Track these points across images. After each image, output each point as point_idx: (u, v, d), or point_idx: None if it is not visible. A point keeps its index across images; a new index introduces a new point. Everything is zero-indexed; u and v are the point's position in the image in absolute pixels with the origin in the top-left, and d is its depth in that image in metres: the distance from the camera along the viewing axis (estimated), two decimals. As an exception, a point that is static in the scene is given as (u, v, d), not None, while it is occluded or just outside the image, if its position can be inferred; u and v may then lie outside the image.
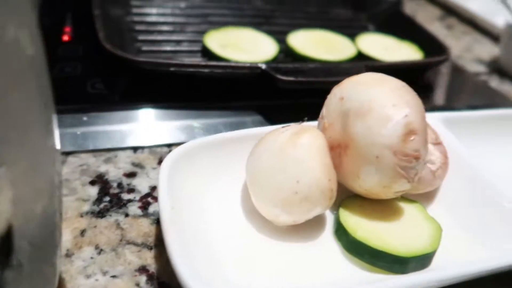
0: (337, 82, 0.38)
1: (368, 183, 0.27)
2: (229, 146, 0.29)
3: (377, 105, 0.25)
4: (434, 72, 0.54)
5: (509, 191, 0.30)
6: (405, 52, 0.50)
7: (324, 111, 0.29)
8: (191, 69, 0.37)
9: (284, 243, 0.27)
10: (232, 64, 0.38)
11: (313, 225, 0.28)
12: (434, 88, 0.51)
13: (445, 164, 0.31)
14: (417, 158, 0.25)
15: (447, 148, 0.33)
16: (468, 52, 0.66)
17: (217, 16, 0.55)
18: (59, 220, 0.19)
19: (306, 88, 0.38)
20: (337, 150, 0.28)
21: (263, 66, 0.37)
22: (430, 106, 0.46)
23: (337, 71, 0.39)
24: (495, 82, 0.58)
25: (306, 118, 0.29)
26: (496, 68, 0.61)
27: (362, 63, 0.41)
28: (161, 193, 0.24)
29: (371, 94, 0.26)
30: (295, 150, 0.25)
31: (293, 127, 0.27)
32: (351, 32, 0.56)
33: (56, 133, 0.18)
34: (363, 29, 0.60)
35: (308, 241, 0.28)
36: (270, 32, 0.53)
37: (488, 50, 0.67)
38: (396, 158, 0.25)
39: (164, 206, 0.23)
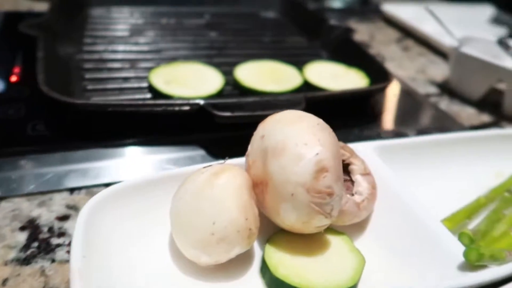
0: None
1: (287, 220, 0.27)
2: (155, 188, 0.29)
3: (290, 144, 0.26)
4: (384, 96, 0.56)
5: (436, 219, 0.30)
6: (352, 79, 0.52)
7: (249, 148, 0.30)
8: (129, 109, 0.37)
9: (209, 283, 0.27)
10: (171, 101, 0.39)
11: (239, 263, 0.28)
12: (383, 113, 0.52)
13: (372, 195, 0.32)
14: (330, 194, 0.26)
15: (378, 177, 0.33)
16: (422, 73, 0.68)
17: (170, 50, 0.57)
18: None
19: (244, 122, 0.38)
20: (260, 187, 0.28)
21: (201, 102, 0.38)
22: (375, 132, 0.48)
23: (275, 104, 0.39)
24: (445, 103, 0.59)
25: (227, 157, 0.30)
26: (447, 88, 0.63)
27: (302, 94, 0.42)
28: (74, 241, 0.24)
29: (285, 133, 0.27)
30: (212, 190, 0.26)
31: (214, 166, 0.28)
32: (304, 60, 0.58)
33: None
34: (316, 56, 0.61)
35: (234, 280, 0.28)
36: (221, 64, 0.54)
37: (441, 71, 0.69)
38: (309, 195, 0.25)
39: (74, 255, 0.23)
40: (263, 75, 0.49)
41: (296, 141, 0.26)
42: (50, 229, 0.31)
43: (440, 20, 0.56)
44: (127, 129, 0.41)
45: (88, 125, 0.40)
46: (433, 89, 0.63)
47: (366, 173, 0.33)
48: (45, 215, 0.32)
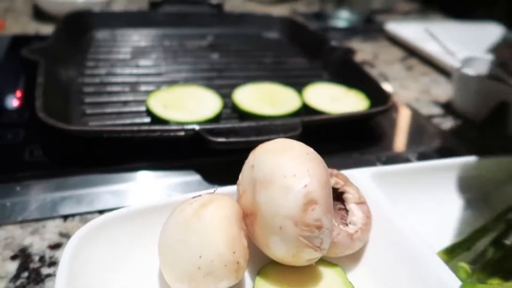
0: (268, 141, 0.39)
1: (277, 252, 0.27)
2: (145, 218, 0.29)
3: (279, 175, 0.26)
4: (386, 117, 0.55)
5: (432, 251, 0.29)
6: (352, 101, 0.51)
7: (240, 177, 0.30)
8: (124, 135, 0.37)
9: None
10: (166, 127, 0.39)
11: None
12: (384, 135, 0.51)
13: (366, 225, 0.31)
14: (319, 227, 0.25)
15: (373, 206, 0.33)
16: (426, 93, 0.68)
17: (171, 73, 0.57)
18: None
19: (238, 148, 0.38)
20: (250, 218, 0.28)
21: (196, 128, 0.38)
22: (375, 156, 0.47)
23: (270, 130, 0.39)
24: (448, 124, 0.58)
25: (216, 187, 0.29)
26: (450, 109, 0.62)
27: (299, 119, 0.41)
28: (59, 273, 0.24)
29: (274, 164, 0.26)
30: (199, 223, 0.25)
31: (202, 196, 0.27)
32: (304, 81, 0.58)
33: None
34: (317, 78, 0.61)
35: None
36: (221, 87, 0.54)
37: (445, 91, 0.69)
38: (298, 228, 0.25)
39: (59, 287, 0.23)
40: (262, 98, 0.49)
41: (284, 172, 0.26)
42: (41, 258, 0.31)
43: (440, 41, 0.55)
44: (123, 154, 0.41)
45: (85, 151, 0.41)
46: (436, 110, 0.62)
47: (361, 202, 0.32)
48: (37, 243, 0.32)
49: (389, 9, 1.17)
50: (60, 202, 0.36)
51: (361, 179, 0.35)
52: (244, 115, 0.47)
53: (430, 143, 0.52)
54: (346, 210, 0.32)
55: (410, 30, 0.88)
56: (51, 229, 0.34)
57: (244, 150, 0.39)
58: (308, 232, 0.25)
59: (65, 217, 0.35)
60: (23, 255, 0.31)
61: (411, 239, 0.30)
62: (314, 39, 0.70)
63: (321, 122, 0.43)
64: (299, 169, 0.26)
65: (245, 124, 0.39)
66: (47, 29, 0.72)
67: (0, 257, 0.31)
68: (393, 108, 0.58)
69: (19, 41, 0.64)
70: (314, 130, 0.46)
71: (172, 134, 0.39)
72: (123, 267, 0.27)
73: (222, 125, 0.39)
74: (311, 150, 0.28)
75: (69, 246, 0.25)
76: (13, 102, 0.48)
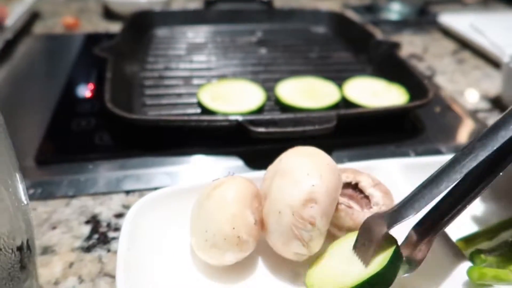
0: (305, 132, 0.42)
1: (271, 236, 0.30)
2: (186, 196, 0.33)
3: (296, 170, 0.29)
4: (427, 111, 0.56)
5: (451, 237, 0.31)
6: (392, 95, 0.53)
7: (269, 167, 0.33)
8: (177, 124, 0.43)
9: (219, 283, 0.31)
10: (212, 118, 0.44)
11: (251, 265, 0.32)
12: (423, 129, 0.52)
13: (387, 199, 0.33)
14: (311, 223, 0.28)
15: (398, 196, 0.35)
16: (474, 87, 0.67)
17: (221, 67, 0.62)
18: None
19: (277, 137, 0.42)
20: (264, 201, 0.31)
21: (240, 118, 0.43)
22: (412, 149, 0.48)
23: (307, 121, 0.43)
24: (494, 120, 0.58)
25: (233, 173, 0.33)
26: (499, 104, 0.61)
27: (335, 112, 0.44)
28: (121, 236, 0.29)
29: (296, 161, 0.30)
30: (208, 202, 0.30)
31: (219, 180, 0.31)
32: (347, 75, 0.60)
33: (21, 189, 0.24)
34: (361, 72, 0.63)
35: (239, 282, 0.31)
36: (265, 80, 0.58)
37: (496, 85, 0.67)
38: (293, 218, 0.28)
39: (121, 247, 0.29)
40: (303, 91, 0.52)
41: (302, 169, 0.29)
42: (108, 225, 0.37)
43: (488, 36, 0.55)
44: (177, 140, 0.46)
45: (145, 137, 0.47)
46: (483, 105, 0.62)
47: (375, 184, 0.34)
48: (105, 212, 0.39)
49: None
50: (123, 179, 0.42)
51: (389, 170, 0.38)
52: (285, 108, 0.51)
53: (469, 138, 0.52)
54: (367, 197, 0.34)
55: (464, 22, 0.86)
56: (116, 201, 0.40)
57: (283, 140, 0.43)
58: (301, 225, 0.28)
59: (127, 192, 0.41)
60: (94, 221, 0.38)
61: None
62: (361, 33, 0.71)
63: (356, 116, 0.45)
64: (314, 171, 0.29)
65: (283, 115, 0.43)
66: (115, 27, 0.80)
67: (77, 222, 0.38)
68: (436, 102, 0.59)
69: (91, 39, 0.73)
70: (352, 122, 0.49)
71: (218, 124, 0.43)
72: (170, 235, 0.32)
73: (263, 116, 0.43)
74: (333, 164, 0.31)
75: (128, 217, 0.31)
76: (87, 94, 0.56)
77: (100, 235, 0.36)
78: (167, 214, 0.33)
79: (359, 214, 0.31)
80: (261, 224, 0.31)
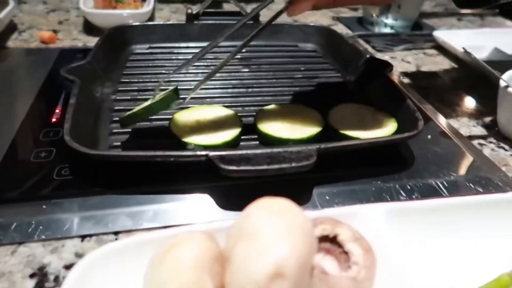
0: (280, 170, 0.38)
1: None
2: (144, 249, 0.30)
3: (262, 236, 0.25)
4: (418, 139, 0.52)
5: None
6: (379, 124, 0.49)
7: (235, 221, 0.29)
8: (140, 160, 0.39)
9: None
10: (179, 153, 0.39)
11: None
12: (414, 160, 0.48)
13: (368, 261, 0.30)
14: None
15: (382, 249, 0.31)
16: (469, 110, 0.63)
17: (200, 89, 0.58)
18: None
19: (250, 176, 0.38)
20: (226, 263, 0.27)
21: (210, 154, 0.39)
22: (400, 184, 0.45)
23: (283, 158, 0.39)
24: (491, 147, 0.54)
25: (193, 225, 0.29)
26: (495, 131, 0.57)
27: (315, 146, 0.40)
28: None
29: (263, 223, 0.26)
30: (161, 267, 0.25)
31: (177, 237, 0.27)
32: (333, 100, 0.56)
33: None
34: (349, 95, 0.59)
35: None
36: (245, 105, 0.55)
37: (493, 108, 0.63)
38: None
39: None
40: (284, 119, 0.49)
41: (268, 235, 0.25)
42: (56, 278, 0.33)
43: (479, 61, 0.51)
44: (142, 176, 0.42)
45: (107, 173, 0.43)
46: (479, 130, 0.58)
47: (356, 238, 0.31)
48: (55, 262, 0.35)
49: (442, 12, 1.10)
50: (80, 222, 0.38)
51: (373, 216, 0.34)
52: (264, 137, 0.47)
53: (465, 171, 0.48)
54: (346, 253, 0.30)
55: (461, 38, 0.83)
56: (69, 249, 0.36)
57: (259, 176, 0.40)
58: None
59: (83, 237, 0.37)
60: (40, 274, 0.34)
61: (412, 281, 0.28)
62: (351, 50, 0.67)
63: (338, 150, 0.42)
64: (283, 237, 0.25)
65: (258, 151, 0.39)
66: (94, 41, 0.76)
67: (20, 275, 0.33)
68: (428, 128, 0.55)
69: (67, 55, 0.69)
70: (335, 156, 0.45)
71: (186, 160, 0.40)
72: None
73: (235, 152, 0.39)
74: (307, 222, 0.27)
75: (70, 277, 0.27)
76: (52, 119, 0.52)
77: (45, 292, 0.32)
78: (119, 274, 0.29)
79: (335, 280, 0.28)
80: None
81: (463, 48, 0.56)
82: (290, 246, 0.24)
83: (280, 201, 0.28)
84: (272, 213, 0.26)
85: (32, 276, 0.33)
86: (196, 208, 0.40)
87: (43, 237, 0.37)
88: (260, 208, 0.27)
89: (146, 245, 0.29)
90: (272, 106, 0.51)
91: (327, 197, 0.42)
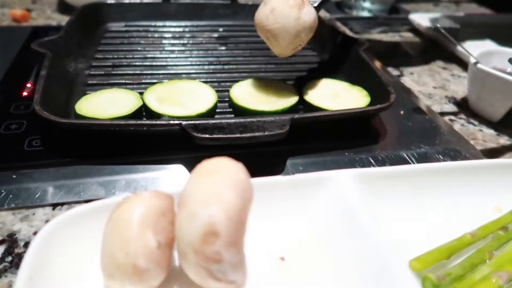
0: (253, 138, 0.39)
1: (188, 273, 0.26)
2: (106, 214, 0.29)
3: (192, 199, 0.25)
4: (390, 114, 0.53)
5: (403, 259, 0.29)
6: (352, 98, 0.50)
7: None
8: (112, 128, 0.39)
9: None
10: (152, 122, 0.39)
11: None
12: (385, 134, 0.50)
13: None
14: (217, 261, 0.24)
15: (347, 211, 0.32)
16: (442, 89, 0.65)
17: (175, 66, 0.58)
18: None
19: (224, 144, 0.38)
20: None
21: (183, 123, 0.39)
22: (371, 155, 0.46)
23: (257, 126, 0.39)
24: (461, 123, 0.56)
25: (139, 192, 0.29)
26: (466, 107, 0.59)
27: (289, 116, 0.41)
28: (24, 262, 0.25)
29: (194, 186, 0.25)
30: (107, 226, 0.26)
31: (124, 198, 0.27)
32: (310, 75, 0.57)
33: None
34: (324, 72, 0.60)
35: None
36: (221, 81, 0.55)
37: (464, 87, 0.65)
38: (196, 258, 0.24)
39: (21, 276, 0.24)
40: (259, 93, 0.49)
41: (195, 198, 0.24)
42: (26, 244, 0.33)
43: (451, 39, 0.53)
44: (115, 147, 0.42)
45: (79, 143, 0.42)
46: (450, 107, 0.60)
47: None
48: (25, 229, 0.34)
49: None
50: (51, 191, 0.37)
51: (342, 181, 0.34)
52: (239, 111, 0.47)
53: (435, 143, 0.49)
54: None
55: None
56: (39, 217, 0.36)
57: (234, 146, 0.40)
58: (206, 264, 0.24)
59: (54, 206, 0.37)
60: (10, 240, 0.33)
61: (382, 246, 0.29)
62: (327, 31, 0.68)
63: (311, 120, 0.42)
64: (210, 197, 0.24)
65: (232, 120, 0.39)
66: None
67: (-10, 241, 0.33)
68: (401, 104, 0.56)
69: (39, 33, 0.67)
70: (308, 127, 0.46)
71: (159, 128, 0.39)
72: (87, 261, 0.28)
73: (208, 121, 0.39)
74: (240, 176, 0.26)
75: (37, 239, 0.27)
76: (23, 93, 0.51)
77: (14, 257, 0.32)
78: (86, 237, 0.28)
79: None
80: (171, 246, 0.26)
81: (435, 23, 0.57)
82: (218, 203, 0.24)
83: (215, 160, 0.27)
84: (203, 175, 0.26)
85: (1, 242, 0.33)
86: (169, 178, 0.40)
87: (12, 205, 0.36)
88: (195, 172, 0.27)
89: (110, 209, 0.29)
90: (247, 80, 0.51)
91: (300, 168, 0.43)
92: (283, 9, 0.43)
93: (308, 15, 0.45)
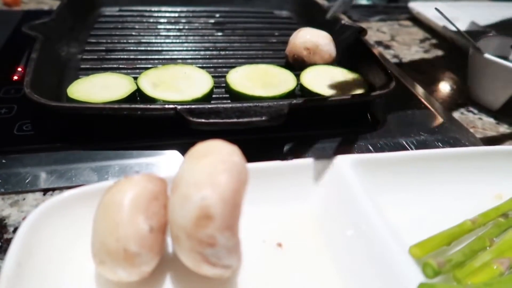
0: (248, 123, 0.38)
1: (181, 258, 0.25)
2: (98, 199, 0.29)
3: (183, 182, 0.24)
4: (390, 102, 0.52)
5: (403, 245, 0.28)
6: (351, 84, 0.49)
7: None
8: (106, 112, 0.37)
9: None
10: (147, 106, 0.38)
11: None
12: (385, 121, 0.49)
13: None
14: (211, 245, 0.23)
15: (347, 197, 0.31)
16: (441, 77, 0.64)
17: (171, 51, 0.56)
18: None
19: (220, 129, 0.37)
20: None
21: (178, 107, 0.38)
22: (370, 142, 0.45)
23: (254, 111, 0.38)
24: (461, 111, 0.55)
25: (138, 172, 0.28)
26: (465, 95, 0.58)
27: (287, 101, 0.40)
28: (12, 248, 0.24)
29: (186, 168, 0.25)
30: (97, 210, 0.25)
31: (116, 181, 0.26)
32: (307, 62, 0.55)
33: None
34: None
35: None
36: (218, 66, 0.53)
37: (463, 75, 0.64)
38: (190, 242, 0.23)
39: (8, 261, 0.24)
40: (256, 79, 0.48)
41: (189, 180, 0.23)
42: (15, 230, 0.32)
43: (452, 22, 0.52)
44: (110, 132, 0.41)
45: (71, 127, 0.41)
46: (450, 96, 0.59)
47: None
48: (15, 215, 0.33)
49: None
50: (42, 176, 0.36)
51: (341, 166, 0.34)
52: (236, 96, 0.46)
53: (435, 131, 0.49)
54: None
55: (434, 10, 0.83)
56: (30, 202, 0.35)
57: (231, 132, 0.39)
58: (200, 248, 0.23)
59: (45, 191, 0.36)
60: (-1, 226, 0.32)
61: (382, 232, 0.29)
62: (326, 18, 0.66)
63: (310, 106, 0.41)
64: (204, 179, 0.23)
65: (228, 105, 0.38)
66: (60, 5, 0.73)
67: (-23, 227, 0.32)
68: (400, 92, 0.55)
69: (30, 17, 0.65)
70: (306, 114, 0.45)
71: (154, 113, 0.38)
72: (76, 246, 0.27)
73: (204, 105, 0.38)
74: (235, 158, 0.25)
75: (25, 224, 0.26)
76: (13, 77, 0.49)
77: (3, 243, 0.31)
78: (76, 222, 0.28)
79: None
80: (164, 230, 0.26)
81: (437, 8, 0.55)
82: (211, 185, 0.23)
83: (209, 143, 0.26)
84: (196, 157, 0.25)
85: (-11, 227, 0.32)
86: (164, 164, 0.39)
87: (2, 190, 0.35)
88: (188, 155, 0.26)
89: (100, 194, 0.28)
90: (245, 66, 0.50)
91: (298, 154, 0.42)
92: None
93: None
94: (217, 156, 0.24)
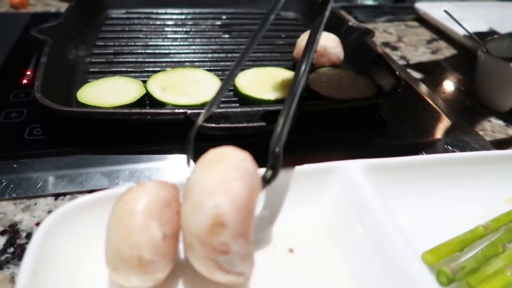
0: (259, 128, 0.38)
1: (194, 266, 0.25)
2: (112, 204, 0.29)
3: (197, 189, 0.24)
4: (398, 104, 0.52)
5: (416, 252, 0.28)
6: (359, 87, 0.49)
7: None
8: (115, 117, 0.38)
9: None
10: (157, 110, 0.38)
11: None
12: (393, 124, 0.48)
13: None
14: (224, 252, 0.23)
15: (359, 202, 0.31)
16: (448, 79, 0.63)
17: (179, 54, 0.57)
18: None
19: (230, 133, 0.38)
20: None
21: (188, 111, 0.38)
22: (380, 146, 0.45)
23: (263, 116, 0.38)
24: (469, 113, 0.55)
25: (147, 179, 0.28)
26: (474, 97, 0.58)
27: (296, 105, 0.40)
28: (27, 255, 0.24)
29: (198, 176, 0.25)
30: (110, 217, 0.25)
31: (129, 188, 0.26)
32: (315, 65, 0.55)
33: None
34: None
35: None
36: (226, 69, 0.53)
37: (472, 77, 0.64)
38: (204, 249, 0.23)
39: (24, 268, 0.24)
40: (264, 82, 0.48)
41: (202, 188, 0.23)
42: (28, 235, 0.32)
43: (460, 23, 0.51)
44: (119, 136, 0.41)
45: (81, 131, 0.41)
46: (458, 97, 0.58)
47: None
48: (27, 220, 0.34)
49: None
50: (53, 180, 0.37)
51: (351, 171, 0.34)
52: (244, 100, 0.46)
53: (444, 134, 0.48)
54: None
55: (442, 10, 0.82)
56: (42, 207, 0.35)
57: (240, 136, 0.39)
58: (214, 255, 0.23)
59: (56, 196, 0.36)
60: (11, 231, 0.32)
61: (394, 237, 0.29)
62: (333, 19, 0.66)
63: (319, 109, 0.41)
64: (217, 186, 0.23)
65: (238, 109, 0.38)
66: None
67: (-9, 232, 0.32)
68: (408, 94, 0.55)
69: (38, 19, 0.66)
70: (315, 117, 0.45)
71: (163, 118, 0.38)
72: (92, 252, 0.27)
73: (215, 109, 0.38)
74: (247, 165, 0.25)
75: (40, 230, 0.26)
76: (23, 81, 0.50)
77: (16, 249, 0.31)
78: (89, 228, 0.28)
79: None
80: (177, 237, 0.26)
81: (446, 10, 0.55)
82: (224, 193, 0.23)
83: (221, 149, 0.26)
84: (208, 164, 0.25)
85: (3, 233, 0.32)
86: (174, 169, 0.39)
87: (14, 195, 0.35)
88: (200, 161, 0.26)
89: (113, 200, 0.28)
90: (253, 69, 0.50)
91: (307, 159, 0.42)
92: None
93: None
94: (229, 163, 0.24)
